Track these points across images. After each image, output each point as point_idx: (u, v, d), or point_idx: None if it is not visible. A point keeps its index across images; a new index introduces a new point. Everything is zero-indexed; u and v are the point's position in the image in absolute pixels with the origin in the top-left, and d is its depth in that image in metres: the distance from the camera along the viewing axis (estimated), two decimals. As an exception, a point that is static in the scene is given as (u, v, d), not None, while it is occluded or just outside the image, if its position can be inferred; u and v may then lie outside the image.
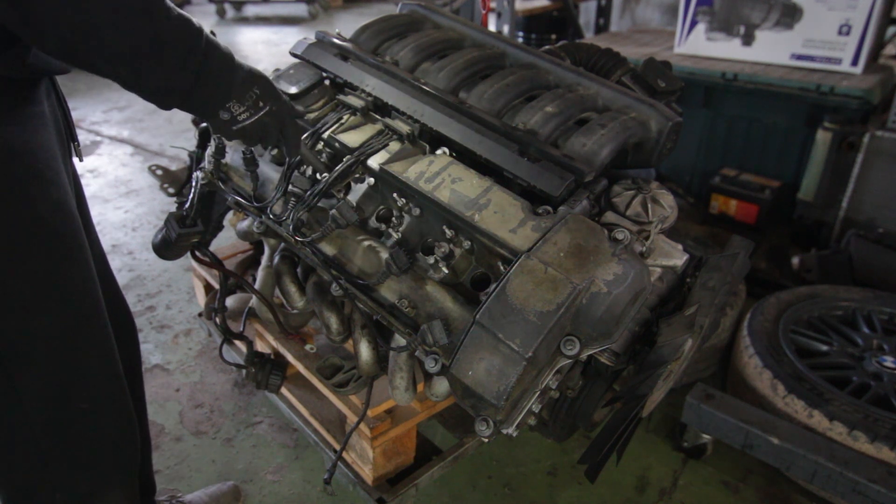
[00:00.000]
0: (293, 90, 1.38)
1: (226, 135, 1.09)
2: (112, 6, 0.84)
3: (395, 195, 1.25)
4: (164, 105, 0.98)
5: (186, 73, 0.94)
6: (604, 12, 4.26)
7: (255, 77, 1.06)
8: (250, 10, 9.66)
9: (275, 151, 1.53)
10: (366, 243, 1.30)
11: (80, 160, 1.29)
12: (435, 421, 1.88)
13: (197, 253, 1.55)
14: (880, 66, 2.79)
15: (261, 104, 1.08)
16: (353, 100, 1.39)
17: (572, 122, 1.31)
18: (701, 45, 2.98)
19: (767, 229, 2.81)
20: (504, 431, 1.06)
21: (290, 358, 1.79)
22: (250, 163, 1.40)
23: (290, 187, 1.34)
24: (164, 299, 2.78)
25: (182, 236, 1.45)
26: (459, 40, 1.56)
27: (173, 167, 2.12)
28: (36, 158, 1.04)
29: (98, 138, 4.66)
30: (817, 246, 2.67)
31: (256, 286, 1.69)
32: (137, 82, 0.92)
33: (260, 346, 1.96)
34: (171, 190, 2.04)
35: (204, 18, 9.13)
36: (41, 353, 1.10)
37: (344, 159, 1.29)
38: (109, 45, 0.86)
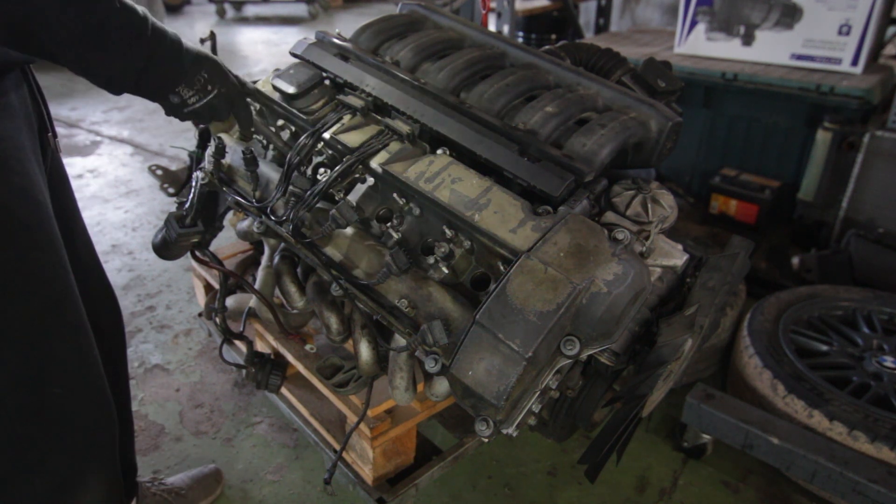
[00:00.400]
0: (293, 90, 1.38)
1: (178, 117, 1.13)
2: None
3: (395, 195, 1.25)
4: (115, 90, 1.01)
5: (132, 60, 0.98)
6: (604, 12, 4.26)
7: (202, 61, 1.10)
8: (250, 10, 9.66)
9: (274, 151, 1.53)
10: (366, 243, 1.30)
11: (59, 152, 1.30)
12: (435, 421, 1.88)
13: (197, 253, 1.55)
14: (880, 66, 2.79)
15: (209, 87, 1.12)
16: (353, 100, 1.39)
17: (572, 122, 1.31)
18: (701, 45, 2.98)
19: (767, 229, 2.81)
20: (504, 431, 1.06)
21: (290, 358, 1.79)
22: (250, 163, 1.40)
23: (290, 187, 1.34)
24: (164, 299, 2.78)
25: (182, 236, 1.45)
26: (459, 40, 1.56)
27: (173, 167, 2.12)
28: None
29: (98, 138, 4.66)
30: (817, 246, 2.67)
31: (256, 286, 1.69)
32: (85, 68, 0.96)
33: (260, 346, 1.96)
34: (171, 190, 2.04)
35: (204, 18, 9.14)
36: (10, 339, 1.11)
37: (344, 159, 1.29)
38: (56, 31, 0.89)
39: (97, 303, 1.41)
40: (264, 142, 1.55)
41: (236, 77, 1.23)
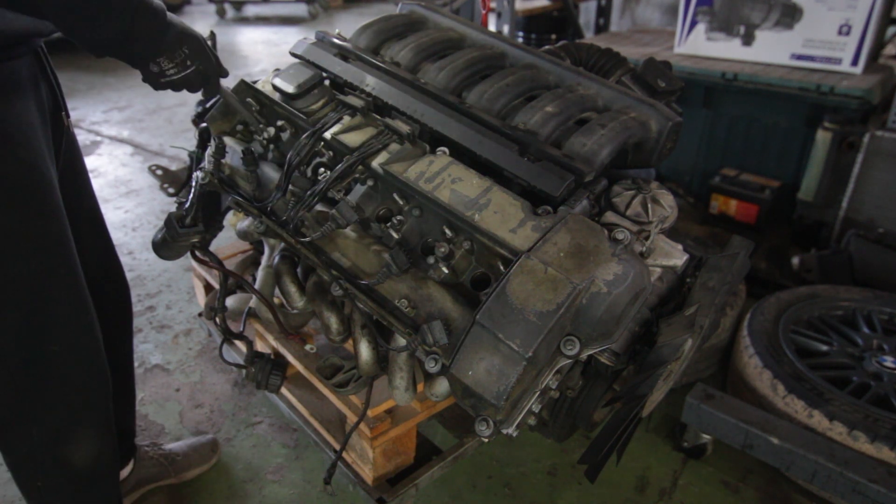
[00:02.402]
0: (293, 90, 1.38)
1: (153, 85, 1.18)
2: None
3: (395, 195, 1.25)
4: (98, 52, 1.06)
5: (116, 26, 1.03)
6: (604, 12, 4.27)
7: (185, 37, 1.15)
8: (250, 10, 9.66)
9: (275, 152, 1.53)
10: (366, 243, 1.30)
11: (71, 130, 1.39)
12: (435, 421, 1.88)
13: (197, 253, 1.55)
14: (880, 66, 2.79)
15: (188, 63, 1.17)
16: (353, 100, 1.39)
17: (572, 122, 1.31)
18: (701, 45, 2.98)
19: (767, 229, 2.81)
20: (504, 431, 1.06)
21: (290, 358, 1.79)
22: (250, 163, 1.40)
23: (290, 187, 1.34)
24: (164, 299, 2.78)
25: (182, 236, 1.45)
26: (459, 40, 1.56)
27: (173, 167, 2.12)
28: (5, 122, 1.13)
29: (98, 138, 4.66)
30: (817, 246, 2.67)
31: (256, 286, 1.68)
32: (70, 27, 1.01)
33: (260, 346, 1.96)
34: (171, 190, 2.04)
35: (204, 18, 9.14)
36: (12, 300, 1.21)
37: (344, 159, 1.29)
38: None
39: (103, 270, 1.54)
40: (264, 141, 1.55)
41: (216, 58, 1.27)
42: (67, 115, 1.37)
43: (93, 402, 1.39)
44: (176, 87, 1.20)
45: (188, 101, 5.17)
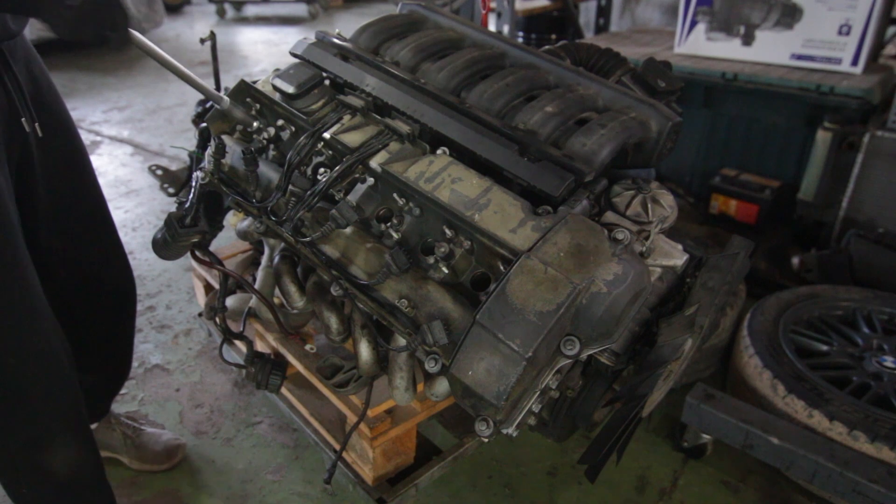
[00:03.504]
0: (293, 90, 1.38)
1: (58, 19, 1.09)
2: None
3: (395, 195, 1.25)
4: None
5: None
6: (604, 12, 4.26)
7: None
8: (250, 10, 9.66)
9: (274, 152, 1.53)
10: (366, 243, 1.30)
11: (38, 135, 1.36)
12: (435, 421, 1.88)
13: (197, 253, 1.55)
14: (880, 66, 2.79)
15: None
16: (353, 100, 1.39)
17: (572, 122, 1.31)
18: (701, 45, 2.98)
19: (767, 229, 2.81)
20: (504, 431, 1.06)
21: (290, 358, 1.79)
22: (250, 162, 1.40)
23: (290, 187, 1.34)
24: (164, 299, 2.78)
25: (182, 236, 1.45)
26: (459, 40, 1.56)
27: (173, 167, 2.12)
28: None
29: (98, 138, 4.66)
30: (817, 246, 2.67)
31: (256, 286, 1.69)
32: None
33: (260, 346, 1.96)
34: (171, 190, 2.04)
35: (204, 18, 9.14)
36: None
37: (344, 159, 1.29)
38: None
39: (110, 269, 1.61)
40: (264, 141, 1.55)
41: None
42: (34, 120, 1.33)
43: (61, 410, 1.39)
44: (84, 14, 1.10)
45: (188, 101, 5.17)
